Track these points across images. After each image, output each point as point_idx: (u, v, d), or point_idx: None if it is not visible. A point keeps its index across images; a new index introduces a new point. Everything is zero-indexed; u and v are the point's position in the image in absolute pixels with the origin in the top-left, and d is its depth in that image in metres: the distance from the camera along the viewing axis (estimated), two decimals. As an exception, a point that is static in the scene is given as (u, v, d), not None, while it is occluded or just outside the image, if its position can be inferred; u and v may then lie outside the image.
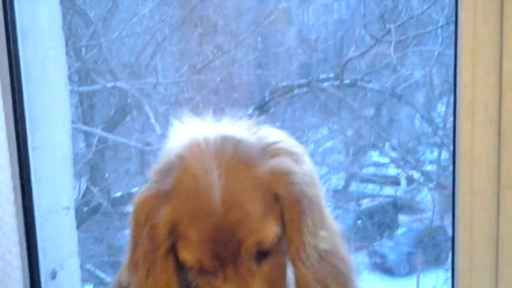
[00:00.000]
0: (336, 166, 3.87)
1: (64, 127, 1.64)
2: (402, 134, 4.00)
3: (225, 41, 3.47)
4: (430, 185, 4.03)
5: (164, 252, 0.97)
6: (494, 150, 1.20)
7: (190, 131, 1.00)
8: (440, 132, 3.85)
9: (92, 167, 3.56)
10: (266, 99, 3.48)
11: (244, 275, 0.95)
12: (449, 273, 3.71)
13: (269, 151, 0.99)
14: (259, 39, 3.77)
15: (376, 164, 4.08)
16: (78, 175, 3.29)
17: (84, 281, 3.00)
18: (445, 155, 3.91)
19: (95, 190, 3.21)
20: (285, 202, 0.96)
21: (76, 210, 1.76)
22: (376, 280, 3.92)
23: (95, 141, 3.47)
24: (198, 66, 3.24)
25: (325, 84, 3.63)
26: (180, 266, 0.99)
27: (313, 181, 1.01)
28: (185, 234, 0.95)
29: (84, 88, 3.29)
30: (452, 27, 2.85)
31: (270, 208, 0.95)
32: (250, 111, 3.29)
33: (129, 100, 3.30)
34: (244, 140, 0.99)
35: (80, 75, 3.30)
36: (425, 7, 3.51)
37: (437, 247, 3.91)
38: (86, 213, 3.29)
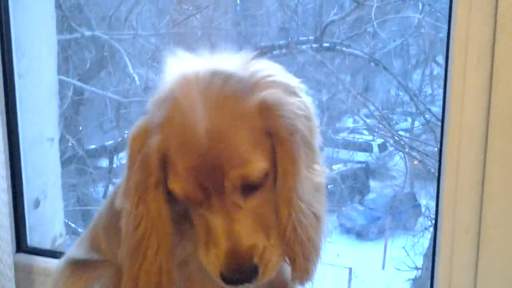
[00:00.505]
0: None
1: (49, 56, 1.62)
2: (377, 101, 4.03)
3: (204, 1, 3.44)
4: (401, 153, 4.07)
5: (154, 181, 0.99)
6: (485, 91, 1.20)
7: (183, 66, 1.01)
8: (414, 101, 3.89)
9: (66, 119, 3.52)
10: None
11: (230, 207, 0.96)
12: (416, 239, 3.78)
13: (261, 84, 0.99)
14: (238, 1, 3.76)
15: (350, 130, 4.11)
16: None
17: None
18: (418, 124, 3.97)
19: (71, 139, 3.18)
20: (276, 135, 0.97)
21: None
22: (345, 243, 3.98)
23: (70, 93, 3.42)
24: (178, 20, 3.21)
25: (304, 46, 3.63)
26: (173, 199, 1.01)
27: (307, 116, 1.01)
28: (173, 165, 0.97)
29: (62, 37, 3.23)
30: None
31: (258, 142, 0.96)
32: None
33: (107, 51, 3.26)
34: (235, 74, 0.99)
35: (58, 23, 3.24)
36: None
37: (406, 213, 3.99)
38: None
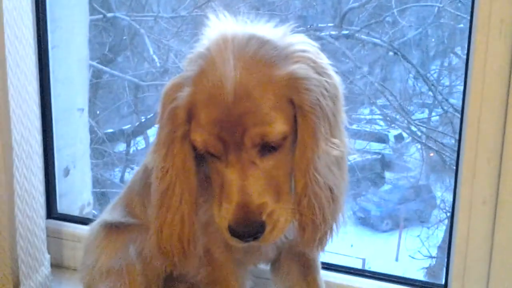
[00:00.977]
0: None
1: (81, 28, 1.69)
2: (394, 91, 4.06)
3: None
4: (418, 145, 4.09)
5: (181, 134, 1.08)
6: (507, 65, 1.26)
7: (223, 27, 1.09)
8: (432, 92, 3.92)
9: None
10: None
11: (246, 163, 1.04)
12: (431, 231, 3.80)
13: (293, 57, 1.06)
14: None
15: (366, 120, 4.14)
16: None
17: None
18: (436, 116, 4.00)
19: (91, 121, 3.25)
20: (299, 107, 1.04)
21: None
22: (359, 234, 4.03)
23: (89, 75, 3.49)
24: (198, 4, 3.27)
25: (323, 33, 3.67)
26: (199, 156, 1.09)
27: (333, 95, 1.08)
28: (198, 117, 1.05)
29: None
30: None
31: (281, 108, 1.03)
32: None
33: (126, 34, 3.32)
34: (271, 41, 1.07)
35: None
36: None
37: (421, 206, 4.02)
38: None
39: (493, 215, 1.32)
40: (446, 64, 4.05)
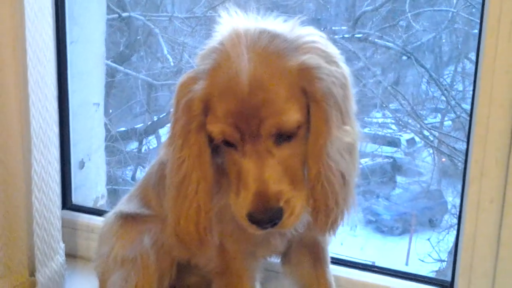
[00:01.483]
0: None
1: (99, 24, 1.74)
2: (407, 95, 4.08)
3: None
4: (429, 149, 4.10)
5: (197, 125, 1.12)
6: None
7: (235, 22, 1.14)
8: (445, 96, 3.93)
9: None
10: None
11: (262, 152, 1.08)
12: (441, 236, 3.81)
13: (303, 48, 1.11)
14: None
15: (378, 124, 4.16)
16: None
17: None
18: (448, 121, 4.01)
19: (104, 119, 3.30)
20: (311, 95, 1.08)
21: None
22: (369, 238, 4.04)
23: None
24: (213, 5, 3.32)
25: (336, 36, 3.70)
26: (214, 148, 1.13)
27: (342, 83, 1.12)
28: (214, 109, 1.09)
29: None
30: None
31: (294, 97, 1.08)
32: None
33: (141, 34, 3.37)
34: (282, 35, 1.11)
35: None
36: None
37: (432, 210, 4.03)
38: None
39: (500, 214, 1.34)
40: (459, 69, 4.06)
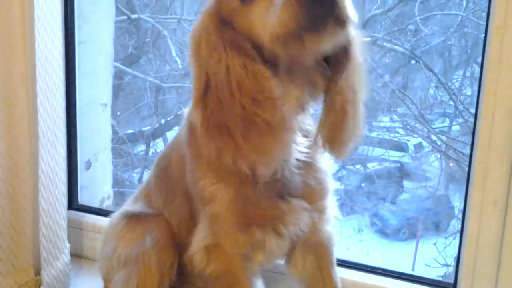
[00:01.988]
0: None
1: (107, 24, 1.76)
2: (415, 100, 4.08)
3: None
4: (437, 154, 4.10)
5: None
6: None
7: None
8: (454, 101, 3.92)
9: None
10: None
11: None
12: (448, 241, 3.79)
13: None
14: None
15: (386, 128, 4.16)
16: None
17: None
18: (456, 126, 4.00)
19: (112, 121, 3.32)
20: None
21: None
22: (376, 242, 4.04)
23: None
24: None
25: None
26: None
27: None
28: None
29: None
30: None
31: None
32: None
33: (149, 36, 3.39)
34: None
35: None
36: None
37: (439, 215, 4.02)
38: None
39: (503, 215, 1.35)
40: (468, 74, 4.06)
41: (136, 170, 3.85)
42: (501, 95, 1.28)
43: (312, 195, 1.26)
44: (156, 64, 3.60)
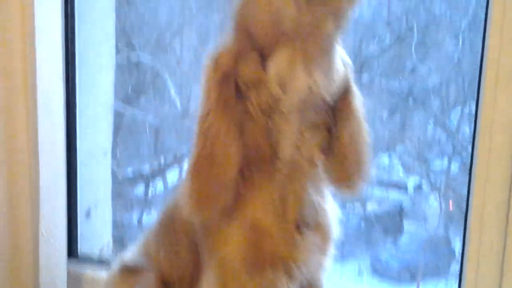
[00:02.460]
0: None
1: (108, 72, 1.76)
2: (414, 139, 4.08)
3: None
4: (436, 194, 4.08)
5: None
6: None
7: None
8: (451, 140, 3.93)
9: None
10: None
11: None
12: (449, 284, 3.80)
13: None
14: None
15: (385, 168, 4.15)
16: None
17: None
18: (455, 166, 4.00)
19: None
20: None
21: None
22: (375, 286, 3.99)
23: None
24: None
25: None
26: None
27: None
28: None
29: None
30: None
31: None
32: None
33: (149, 74, 3.39)
34: None
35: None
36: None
37: (439, 257, 3.99)
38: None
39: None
40: (466, 111, 4.07)
41: (135, 212, 3.82)
42: (496, 138, 1.29)
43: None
44: (155, 103, 3.60)
